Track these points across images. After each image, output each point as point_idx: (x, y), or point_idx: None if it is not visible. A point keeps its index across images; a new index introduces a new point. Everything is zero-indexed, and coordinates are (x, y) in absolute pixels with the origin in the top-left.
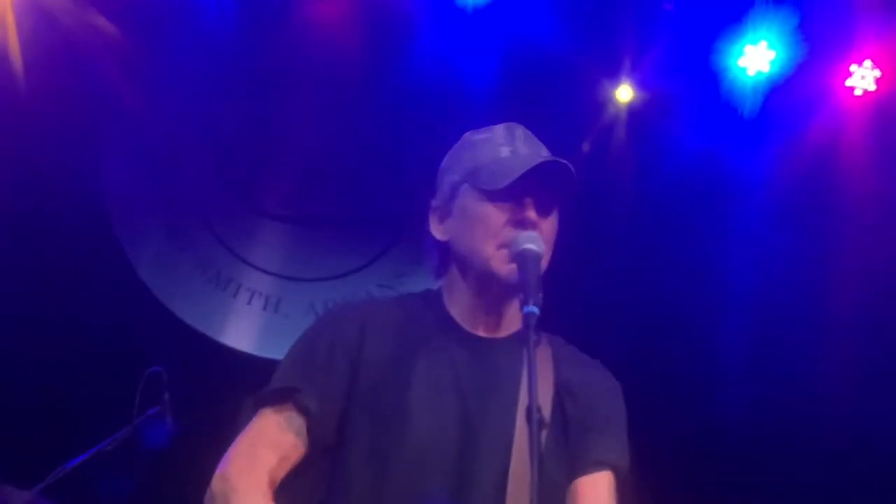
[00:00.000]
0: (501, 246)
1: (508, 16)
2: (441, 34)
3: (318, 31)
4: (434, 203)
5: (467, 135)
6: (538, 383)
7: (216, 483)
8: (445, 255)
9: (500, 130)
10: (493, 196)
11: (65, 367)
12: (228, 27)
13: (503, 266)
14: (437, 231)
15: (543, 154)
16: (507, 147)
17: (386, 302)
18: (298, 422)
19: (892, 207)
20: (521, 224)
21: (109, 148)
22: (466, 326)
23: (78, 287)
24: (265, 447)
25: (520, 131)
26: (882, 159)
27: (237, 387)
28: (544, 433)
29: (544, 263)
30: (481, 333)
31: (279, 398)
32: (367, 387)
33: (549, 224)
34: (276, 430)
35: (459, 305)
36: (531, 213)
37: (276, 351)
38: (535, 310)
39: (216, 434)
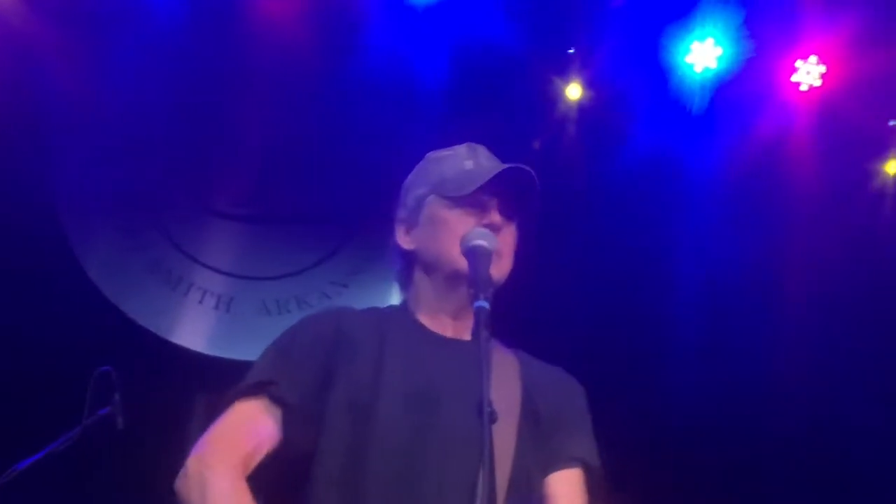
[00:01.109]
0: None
1: (458, 14)
2: (392, 32)
3: (270, 29)
4: (399, 215)
5: (430, 154)
6: (505, 383)
7: (191, 464)
8: (410, 266)
9: (462, 148)
10: (459, 202)
11: (14, 367)
12: (180, 25)
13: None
14: (405, 241)
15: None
16: (471, 161)
17: (355, 309)
18: (274, 413)
19: (837, 201)
20: (488, 228)
21: (59, 147)
22: (435, 329)
23: (27, 287)
24: (240, 433)
25: (481, 149)
26: (827, 154)
27: (188, 386)
28: (515, 430)
29: (504, 268)
30: (449, 335)
31: (254, 391)
32: (342, 383)
33: (511, 230)
34: (251, 419)
35: (427, 311)
36: (496, 218)
37: (228, 350)
38: (486, 304)
39: (167, 433)
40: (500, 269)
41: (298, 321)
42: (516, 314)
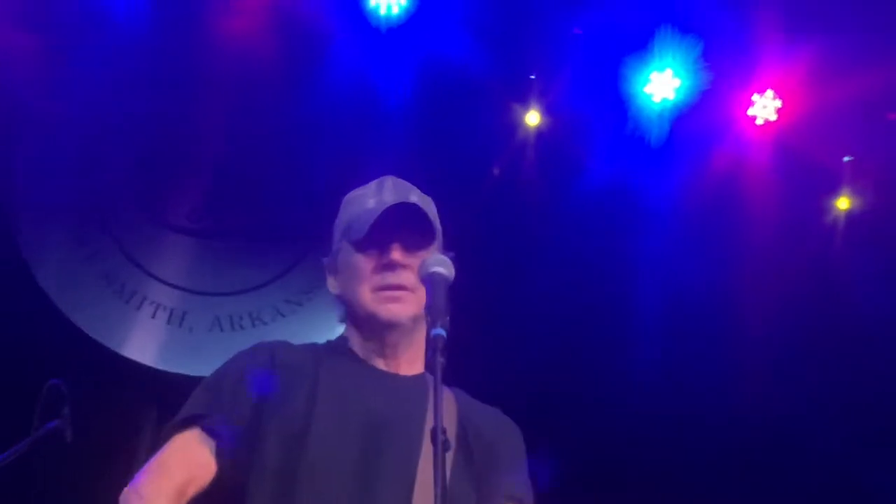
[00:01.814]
0: (374, 290)
1: (422, 37)
2: (355, 52)
3: (232, 44)
4: (326, 261)
5: (348, 195)
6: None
7: (127, 495)
8: (342, 306)
9: (372, 186)
10: (360, 246)
11: None
12: (141, 37)
13: (382, 307)
14: (331, 286)
15: (410, 198)
16: (374, 198)
17: (293, 344)
18: (208, 444)
19: (791, 234)
20: (387, 267)
21: (13, 156)
22: (371, 363)
23: None
24: (175, 465)
25: (390, 182)
26: (782, 187)
27: (139, 400)
28: (450, 462)
29: (420, 302)
30: (385, 369)
31: (189, 424)
32: (275, 413)
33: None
34: (185, 452)
35: (360, 348)
36: (395, 255)
37: (179, 365)
38: (442, 332)
39: (116, 447)
40: (417, 302)
41: (233, 356)
42: (475, 339)
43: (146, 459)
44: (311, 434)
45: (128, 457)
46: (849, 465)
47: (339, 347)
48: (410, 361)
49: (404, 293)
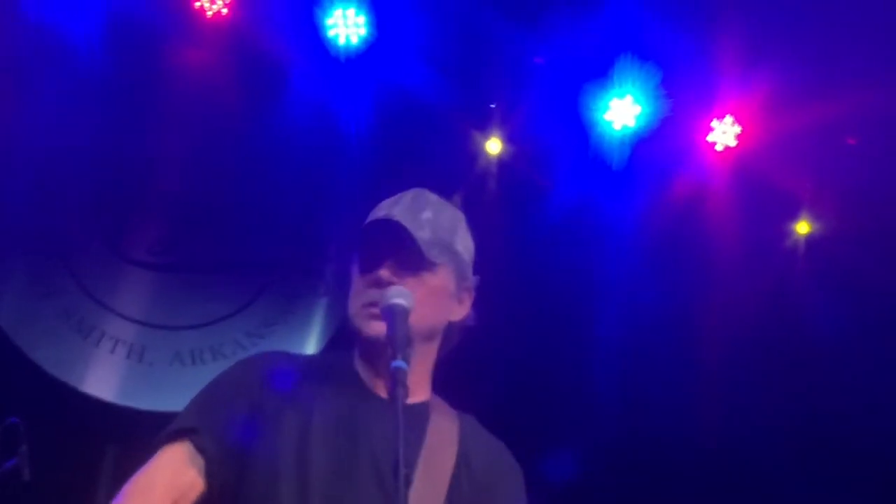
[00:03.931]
0: (365, 305)
1: (381, 66)
2: (315, 82)
3: (191, 75)
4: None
5: (378, 205)
6: (439, 451)
7: None
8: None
9: (394, 198)
10: (360, 262)
11: None
12: (98, 69)
13: (365, 323)
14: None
15: (418, 216)
16: (384, 211)
17: (296, 357)
18: (196, 461)
19: (751, 257)
20: (376, 283)
21: None
22: (370, 386)
23: None
24: (162, 482)
25: (410, 195)
26: (742, 212)
27: (98, 437)
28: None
29: (423, 317)
30: (381, 394)
31: (177, 438)
32: (265, 430)
33: (421, 281)
34: (173, 467)
35: (361, 366)
36: (384, 273)
37: (139, 400)
38: (403, 365)
39: (75, 486)
40: (418, 317)
41: (231, 365)
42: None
43: (107, 497)
44: (303, 466)
45: (88, 495)
46: (806, 488)
47: (342, 366)
48: (412, 387)
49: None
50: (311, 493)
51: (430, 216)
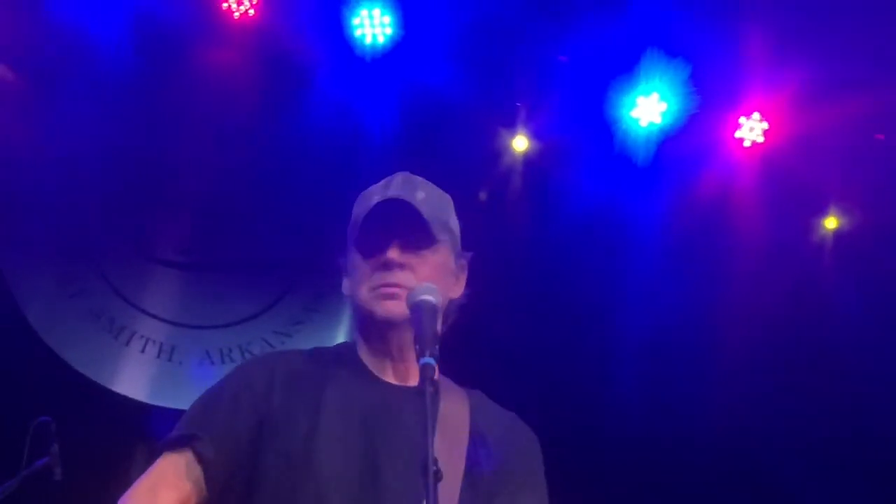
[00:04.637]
0: (373, 288)
1: (407, 65)
2: (340, 82)
3: (218, 76)
4: (341, 262)
5: (362, 192)
6: (451, 433)
7: None
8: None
9: (382, 182)
10: (359, 245)
11: None
12: (125, 73)
13: (378, 304)
14: (344, 287)
15: (410, 195)
16: (379, 196)
17: (299, 352)
18: (196, 468)
19: (778, 254)
20: (384, 266)
21: (0, 193)
22: (377, 373)
23: None
24: (164, 489)
25: (399, 178)
26: (769, 208)
27: (129, 436)
28: (458, 481)
29: (445, 293)
30: (391, 380)
31: (179, 444)
32: (274, 431)
33: (424, 260)
34: (174, 473)
35: (367, 354)
36: (393, 254)
37: (170, 399)
38: (431, 361)
39: (106, 484)
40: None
41: (234, 369)
42: (461, 365)
43: None
44: (314, 458)
45: (118, 493)
46: (834, 489)
47: (346, 356)
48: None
49: (400, 290)
50: (328, 489)
51: (423, 196)
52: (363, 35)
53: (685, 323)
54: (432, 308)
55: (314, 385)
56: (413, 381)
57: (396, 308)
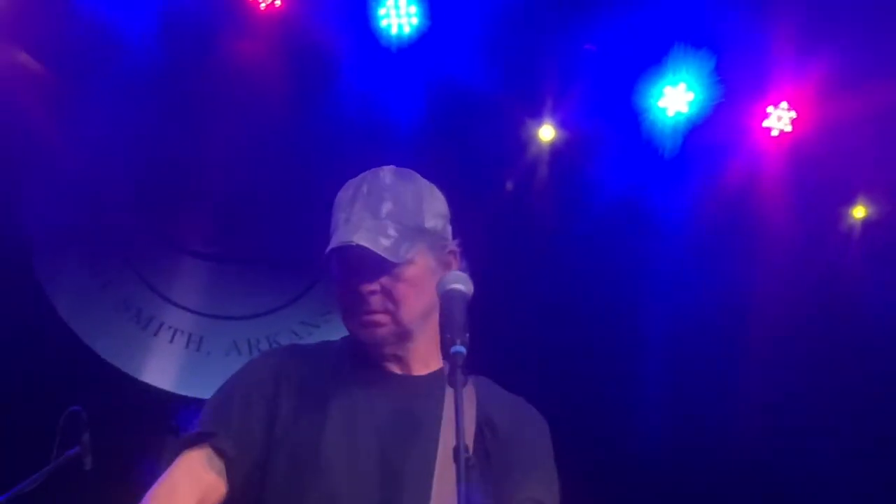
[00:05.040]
0: (353, 316)
1: (433, 55)
2: (366, 73)
3: (244, 67)
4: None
5: (337, 196)
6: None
7: None
8: None
9: (350, 190)
10: (334, 276)
11: None
12: (153, 64)
13: (359, 332)
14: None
15: (379, 214)
16: (344, 213)
17: (307, 347)
18: (217, 464)
19: (806, 244)
20: (359, 294)
21: (30, 185)
22: (384, 365)
23: None
24: (185, 486)
25: (364, 191)
26: (797, 199)
27: (158, 426)
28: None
29: (416, 306)
30: (398, 371)
31: (197, 442)
32: (285, 429)
33: (398, 277)
34: (195, 470)
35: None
36: (363, 286)
37: (198, 389)
38: (462, 350)
39: (136, 474)
40: (407, 309)
41: (244, 366)
42: (485, 355)
43: None
44: (323, 452)
45: (147, 484)
46: (864, 486)
47: (353, 350)
48: (423, 360)
49: (378, 316)
50: (339, 487)
51: (390, 207)
52: (389, 25)
53: (712, 315)
54: (462, 296)
55: (321, 382)
56: (423, 370)
57: (379, 333)
